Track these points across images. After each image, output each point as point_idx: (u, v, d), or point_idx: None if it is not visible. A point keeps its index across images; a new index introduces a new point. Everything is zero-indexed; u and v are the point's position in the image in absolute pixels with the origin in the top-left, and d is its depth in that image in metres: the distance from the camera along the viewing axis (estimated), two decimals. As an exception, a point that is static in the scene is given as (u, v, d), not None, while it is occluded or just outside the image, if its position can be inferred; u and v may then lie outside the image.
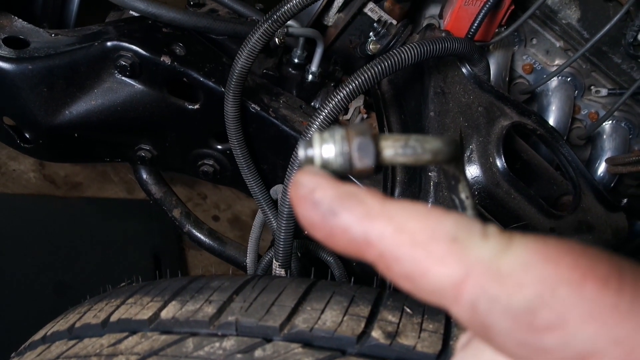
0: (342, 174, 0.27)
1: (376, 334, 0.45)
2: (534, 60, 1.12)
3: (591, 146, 1.20)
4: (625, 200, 1.12)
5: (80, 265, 1.72)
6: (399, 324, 0.46)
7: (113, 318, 0.52)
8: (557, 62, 1.11)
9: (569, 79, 1.12)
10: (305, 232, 0.99)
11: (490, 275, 0.21)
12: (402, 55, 0.68)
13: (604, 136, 1.17)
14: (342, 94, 0.68)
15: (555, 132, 0.89)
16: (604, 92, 1.11)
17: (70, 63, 0.80)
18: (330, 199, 0.24)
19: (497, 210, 0.80)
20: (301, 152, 0.27)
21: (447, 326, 0.47)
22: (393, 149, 0.27)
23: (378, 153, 0.27)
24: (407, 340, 0.44)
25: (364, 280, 0.90)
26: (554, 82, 1.12)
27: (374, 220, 0.23)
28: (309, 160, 0.27)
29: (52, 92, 0.80)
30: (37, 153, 0.87)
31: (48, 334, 0.58)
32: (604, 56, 1.08)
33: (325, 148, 0.27)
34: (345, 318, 0.46)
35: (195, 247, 2.09)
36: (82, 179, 2.06)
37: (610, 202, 0.91)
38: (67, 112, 0.82)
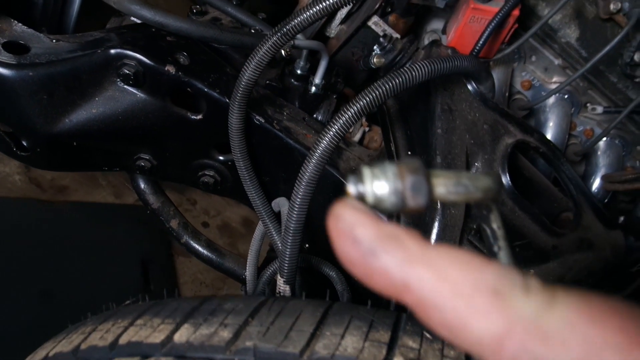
0: (392, 212, 0.27)
1: (398, 361, 0.44)
2: (532, 77, 1.13)
3: (586, 162, 1.22)
4: (622, 218, 1.14)
5: (66, 272, 1.68)
6: (419, 350, 0.46)
7: (122, 341, 0.50)
8: (555, 79, 1.13)
9: (566, 96, 1.14)
10: (306, 245, 0.98)
11: (534, 333, 0.21)
12: (415, 72, 0.68)
13: (599, 153, 1.19)
14: (354, 109, 0.68)
15: (557, 150, 0.90)
16: (599, 109, 1.13)
17: (72, 70, 0.78)
18: (371, 239, 0.24)
19: (501, 227, 0.80)
20: (352, 188, 0.26)
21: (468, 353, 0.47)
22: (445, 187, 0.27)
23: (430, 191, 0.26)
24: (429, 367, 0.44)
25: (365, 296, 0.90)
26: (551, 99, 1.13)
27: (414, 265, 0.23)
28: (360, 197, 0.26)
29: (52, 100, 0.78)
30: (33, 161, 0.84)
31: (50, 354, 0.55)
32: (600, 75, 1.10)
33: (377, 185, 0.26)
34: (366, 344, 0.45)
35: (184, 253, 2.06)
36: (69, 182, 2.01)
37: (609, 219, 0.92)
38: (66, 120, 0.80)
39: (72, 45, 0.80)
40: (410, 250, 0.24)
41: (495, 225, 0.38)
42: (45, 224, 1.80)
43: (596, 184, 1.19)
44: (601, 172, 1.18)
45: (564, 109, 1.14)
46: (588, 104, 1.15)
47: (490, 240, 0.38)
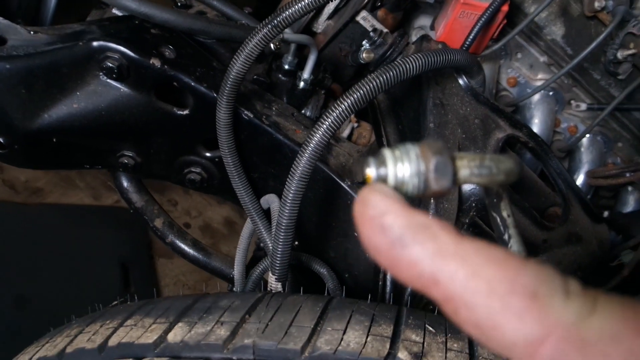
0: (414, 196, 0.26)
1: (402, 355, 0.43)
2: (518, 74, 1.14)
3: (569, 158, 1.24)
4: (607, 213, 1.15)
5: (42, 277, 1.62)
6: (423, 343, 0.45)
7: (111, 342, 0.48)
8: (540, 76, 1.14)
9: (551, 93, 1.15)
10: (296, 243, 0.97)
11: (573, 341, 0.20)
12: (408, 66, 0.67)
13: (582, 149, 1.21)
14: (347, 103, 0.66)
15: (545, 145, 0.91)
16: (583, 106, 1.15)
17: (52, 63, 0.74)
18: (401, 228, 0.23)
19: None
20: (372, 171, 0.25)
21: (471, 345, 0.46)
22: (469, 169, 0.26)
23: (454, 173, 0.25)
24: (434, 361, 0.43)
25: (357, 293, 0.89)
26: (536, 95, 1.14)
27: (446, 259, 0.22)
28: (381, 180, 0.25)
29: (31, 94, 0.74)
30: (10, 159, 0.80)
31: (33, 359, 0.52)
32: (585, 72, 1.11)
33: (399, 167, 0.25)
34: (368, 339, 0.44)
35: (165, 255, 2.02)
36: (44, 184, 1.95)
37: (596, 214, 0.93)
38: (46, 115, 0.77)
39: (51, 37, 0.77)
40: (443, 243, 0.22)
41: (505, 213, 0.37)
42: (19, 226, 1.74)
43: (580, 179, 1.20)
44: (585, 168, 1.20)
45: (549, 105, 1.16)
46: (572, 101, 1.17)
47: (500, 229, 0.37)
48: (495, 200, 0.36)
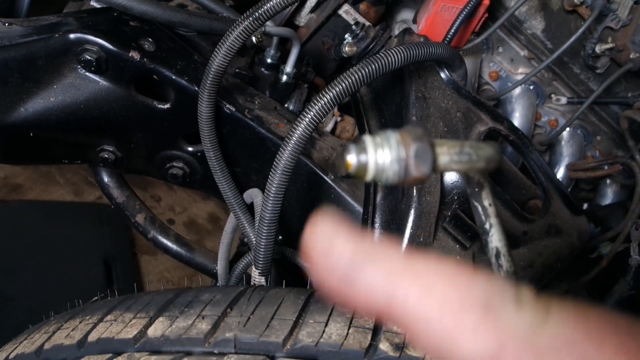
0: (395, 182, 0.26)
1: (384, 346, 0.43)
2: (499, 68, 1.15)
3: (550, 152, 1.25)
4: (586, 205, 1.17)
5: (22, 275, 1.59)
6: (404, 335, 0.45)
7: (91, 338, 0.47)
8: (520, 70, 1.15)
9: (531, 87, 1.17)
10: (280, 238, 0.96)
11: (528, 351, 0.20)
12: (390, 59, 0.67)
13: (562, 142, 1.23)
14: (329, 96, 0.66)
15: (525, 138, 0.92)
16: (563, 100, 1.17)
17: (27, 56, 0.73)
18: (351, 253, 0.22)
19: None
20: (352, 157, 0.25)
21: (452, 335, 0.46)
22: (448, 155, 0.26)
23: (434, 160, 0.25)
24: (415, 351, 0.43)
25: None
26: (517, 89, 1.15)
27: (399, 279, 0.22)
28: (362, 167, 0.25)
29: (6, 88, 0.73)
30: (-15, 154, 0.79)
31: (11, 357, 0.51)
32: (564, 66, 1.13)
33: (380, 153, 0.25)
34: (350, 330, 0.44)
35: (149, 251, 2.00)
36: (24, 180, 1.92)
37: (575, 206, 0.94)
38: (22, 109, 0.75)
39: (26, 29, 0.75)
40: (394, 263, 0.22)
41: (486, 202, 0.37)
42: (-2, 224, 1.70)
43: (560, 172, 1.22)
44: (565, 161, 1.22)
45: (530, 99, 1.17)
46: (552, 95, 1.18)
47: (481, 218, 0.38)
48: (476, 189, 0.37)
